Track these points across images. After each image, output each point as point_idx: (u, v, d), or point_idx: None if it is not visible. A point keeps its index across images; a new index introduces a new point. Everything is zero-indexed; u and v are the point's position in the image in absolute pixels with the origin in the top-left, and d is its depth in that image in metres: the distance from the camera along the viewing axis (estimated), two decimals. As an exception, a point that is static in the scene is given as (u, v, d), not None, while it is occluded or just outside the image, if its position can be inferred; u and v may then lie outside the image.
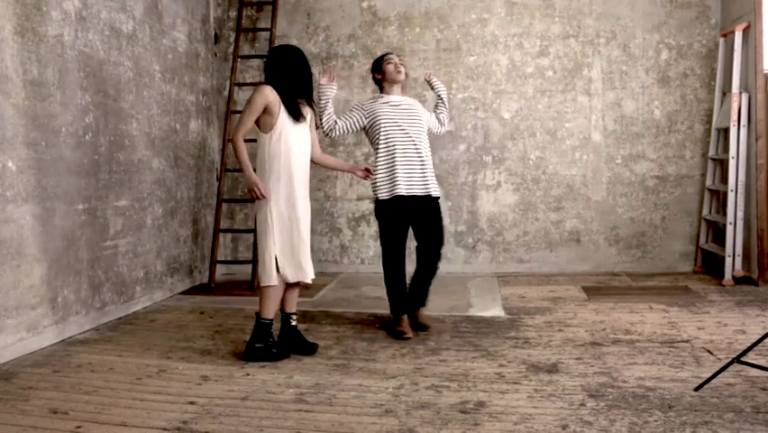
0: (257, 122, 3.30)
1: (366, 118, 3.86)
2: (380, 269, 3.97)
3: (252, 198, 3.29)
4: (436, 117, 4.10)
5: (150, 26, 4.74)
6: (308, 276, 3.37)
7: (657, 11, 5.58)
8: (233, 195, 5.93)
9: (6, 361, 3.27)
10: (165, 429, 2.44)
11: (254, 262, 5.30)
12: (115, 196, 4.28)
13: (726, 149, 5.19)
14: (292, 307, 3.49)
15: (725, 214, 5.08)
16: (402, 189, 3.75)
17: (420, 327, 3.87)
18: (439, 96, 4.12)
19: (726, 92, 5.30)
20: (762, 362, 2.95)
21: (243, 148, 3.27)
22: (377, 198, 3.84)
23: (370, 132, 3.90)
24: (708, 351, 3.32)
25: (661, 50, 5.59)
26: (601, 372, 3.03)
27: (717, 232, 5.42)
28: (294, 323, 3.48)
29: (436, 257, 3.90)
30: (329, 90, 3.83)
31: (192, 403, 2.71)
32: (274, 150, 3.27)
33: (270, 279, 3.29)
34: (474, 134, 5.79)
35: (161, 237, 4.89)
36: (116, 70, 4.29)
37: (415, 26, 5.81)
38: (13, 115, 3.36)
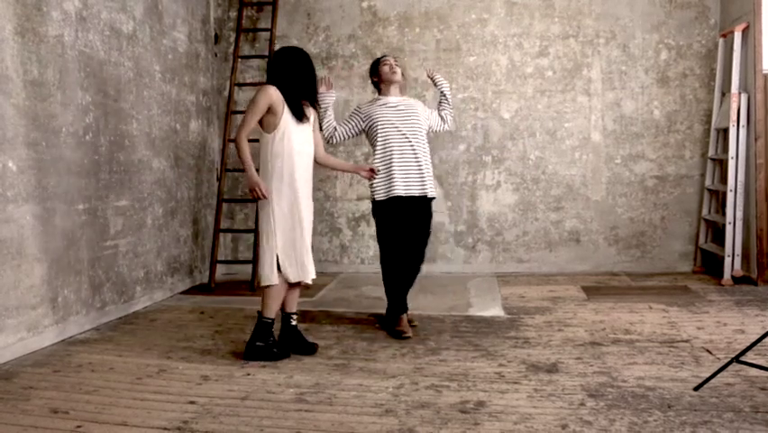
0: (260, 122, 3.31)
1: (364, 121, 3.90)
2: (380, 269, 4.00)
3: (254, 197, 3.30)
4: (439, 115, 4.09)
5: (151, 26, 4.74)
6: (309, 276, 3.38)
7: (656, 11, 5.58)
8: (234, 195, 5.93)
9: (7, 361, 3.27)
10: (165, 429, 2.45)
11: (254, 261, 5.31)
12: (116, 196, 4.28)
13: (725, 149, 5.20)
14: (293, 307, 3.49)
15: (724, 214, 5.08)
16: (400, 190, 3.78)
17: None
18: (442, 92, 4.11)
19: (725, 92, 5.31)
20: (761, 361, 2.96)
21: (246, 148, 3.28)
22: (374, 198, 3.87)
23: (368, 134, 3.94)
24: (708, 351, 3.32)
25: (660, 50, 5.60)
26: (601, 371, 3.04)
27: (717, 232, 5.42)
28: (294, 323, 3.49)
29: (420, 257, 3.96)
30: (328, 98, 3.87)
31: (192, 403, 2.71)
32: (277, 150, 3.28)
33: (271, 278, 3.30)
34: (474, 134, 5.80)
35: (162, 237, 4.89)
36: (117, 71, 4.30)
37: (414, 26, 5.81)
38: (13, 115, 3.37)
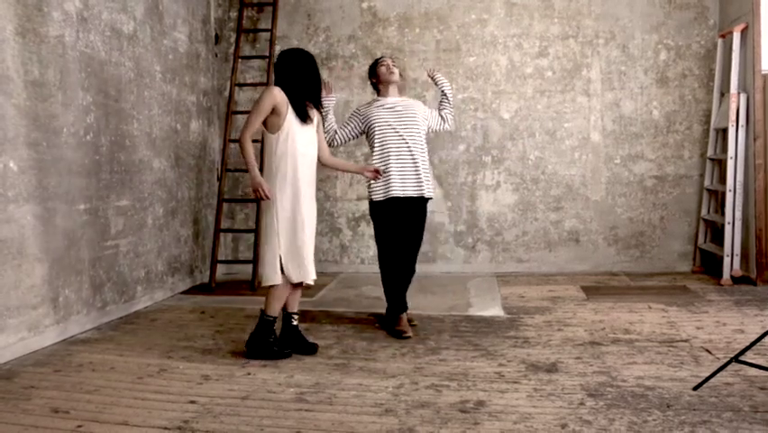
0: (264, 122, 3.32)
1: (362, 123, 3.93)
2: (379, 269, 4.03)
3: (257, 198, 3.31)
4: (440, 114, 4.10)
5: (151, 27, 4.75)
6: (310, 277, 3.39)
7: (656, 12, 5.59)
8: (234, 195, 5.94)
9: (8, 360, 3.28)
10: (166, 428, 2.45)
11: (255, 261, 5.32)
12: (116, 196, 4.29)
13: (724, 149, 5.21)
14: (294, 307, 3.50)
15: (723, 214, 5.09)
16: (397, 191, 3.80)
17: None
18: (443, 92, 4.12)
19: (724, 92, 5.32)
20: (760, 361, 2.96)
21: (250, 148, 3.30)
22: (371, 199, 3.89)
23: (367, 135, 3.97)
24: (707, 350, 3.33)
25: (659, 50, 5.61)
26: (600, 371, 3.04)
27: (716, 232, 5.43)
28: (295, 323, 3.50)
29: (414, 259, 3.98)
30: (327, 101, 3.89)
31: (193, 402, 2.72)
32: (281, 150, 3.29)
33: (274, 279, 3.31)
34: (474, 135, 5.81)
35: (162, 237, 4.90)
36: (117, 71, 4.30)
37: (414, 27, 5.82)
38: (14, 115, 3.37)
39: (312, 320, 4.13)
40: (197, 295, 5.06)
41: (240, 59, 5.76)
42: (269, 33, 5.73)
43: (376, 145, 3.86)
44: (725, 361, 2.85)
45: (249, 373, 3.11)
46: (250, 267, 5.36)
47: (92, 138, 4.02)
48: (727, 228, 4.99)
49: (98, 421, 2.52)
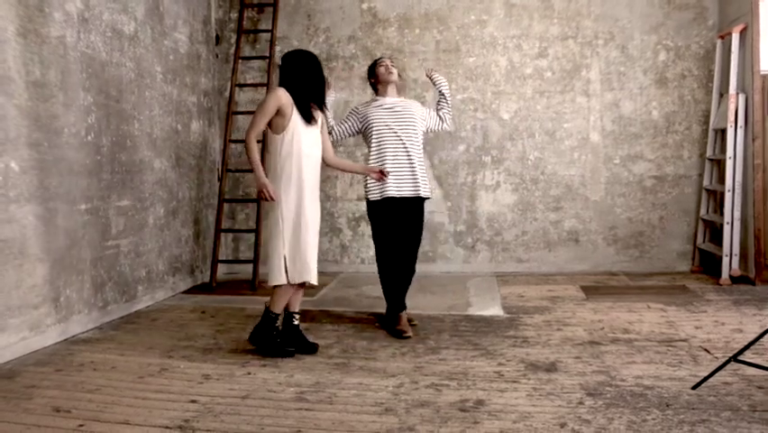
0: (269, 123, 3.34)
1: (360, 122, 3.95)
2: (377, 268, 4.06)
3: (262, 199, 3.32)
4: (438, 115, 4.12)
5: (152, 27, 4.76)
6: (313, 277, 3.39)
7: (655, 12, 5.61)
8: (235, 195, 5.95)
9: (9, 360, 3.29)
10: (167, 428, 2.46)
11: (255, 261, 5.33)
12: (117, 196, 4.30)
13: (723, 149, 5.23)
14: (295, 306, 3.52)
15: (722, 214, 5.10)
16: (392, 191, 3.83)
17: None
18: (441, 92, 4.14)
19: (723, 93, 5.34)
20: (758, 360, 2.97)
21: (256, 149, 3.31)
22: (368, 198, 3.92)
23: (364, 134, 3.99)
24: (706, 350, 3.34)
25: (659, 51, 5.62)
26: (599, 370, 3.06)
27: (715, 232, 5.45)
28: (296, 322, 3.51)
29: (413, 258, 4.01)
30: (327, 99, 3.89)
31: (194, 402, 2.73)
32: (286, 151, 3.31)
33: (279, 279, 3.32)
34: (473, 135, 5.82)
35: (163, 237, 4.91)
36: (118, 71, 4.32)
37: (414, 27, 5.84)
38: (15, 115, 3.38)
39: (312, 320, 4.14)
40: (198, 295, 5.07)
41: (240, 60, 5.77)
42: (269, 34, 5.74)
43: (373, 145, 3.89)
44: (723, 360, 2.86)
45: (249, 373, 3.12)
46: (250, 267, 5.37)
47: (93, 138, 4.03)
48: (726, 228, 5.00)
49: (99, 420, 2.53)
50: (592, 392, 2.76)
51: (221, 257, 5.58)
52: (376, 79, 3.99)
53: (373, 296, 4.79)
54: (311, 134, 3.38)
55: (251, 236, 5.69)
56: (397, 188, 3.83)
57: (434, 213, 5.86)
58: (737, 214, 4.99)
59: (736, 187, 5.00)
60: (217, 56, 5.95)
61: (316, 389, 2.88)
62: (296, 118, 3.31)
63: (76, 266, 3.86)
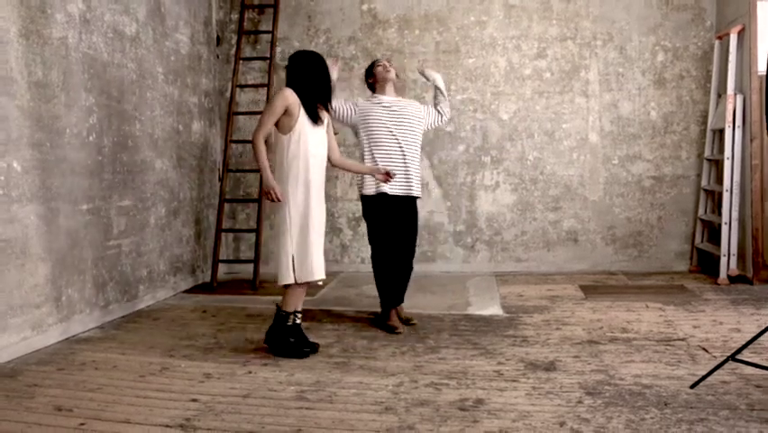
0: (276, 123, 3.35)
1: (357, 114, 3.95)
2: (372, 264, 4.09)
3: (269, 200, 3.34)
4: (436, 110, 4.15)
5: (153, 29, 4.78)
6: (318, 276, 3.40)
7: (653, 13, 5.63)
8: (235, 195, 5.97)
9: (11, 359, 3.30)
10: (168, 426, 2.47)
11: (256, 261, 5.35)
12: (119, 196, 4.32)
13: (721, 150, 5.24)
14: (298, 305, 3.53)
15: (720, 214, 5.12)
16: (386, 187, 3.87)
17: (405, 322, 3.99)
18: (436, 86, 4.17)
19: (721, 93, 5.35)
20: (756, 360, 2.98)
21: (263, 150, 3.32)
22: (362, 194, 3.97)
23: (359, 129, 3.98)
24: (704, 349, 3.36)
25: (657, 52, 5.64)
26: (598, 369, 3.07)
27: (713, 231, 5.47)
28: (298, 321, 3.52)
29: (411, 255, 4.05)
30: (332, 74, 3.86)
31: (194, 401, 2.74)
32: (293, 151, 3.32)
33: (288, 277, 3.34)
34: (473, 135, 5.84)
35: (164, 237, 4.93)
36: (120, 72, 4.33)
37: (414, 28, 5.85)
38: (18, 116, 3.40)
39: (312, 319, 4.15)
40: (199, 294, 5.08)
41: (241, 61, 5.79)
42: (270, 35, 5.76)
43: (369, 142, 3.91)
44: (721, 359, 2.86)
45: (250, 372, 3.13)
46: (251, 267, 5.39)
47: (95, 139, 4.05)
48: (724, 228, 5.02)
49: (101, 419, 2.54)
50: (591, 391, 2.77)
51: (222, 257, 5.60)
52: (374, 79, 4.02)
53: (373, 295, 4.78)
54: (318, 135, 3.40)
55: (252, 236, 5.70)
56: (390, 185, 3.86)
57: (433, 213, 5.88)
58: (735, 214, 5.01)
59: (734, 187, 5.02)
60: (218, 57, 5.97)
61: (317, 388, 2.89)
62: (303, 118, 3.33)
63: (77, 266, 3.87)
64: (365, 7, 5.89)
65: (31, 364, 3.25)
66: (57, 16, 3.70)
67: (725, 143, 5.07)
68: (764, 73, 4.88)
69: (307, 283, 3.44)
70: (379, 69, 3.99)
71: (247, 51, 5.94)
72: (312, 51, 3.51)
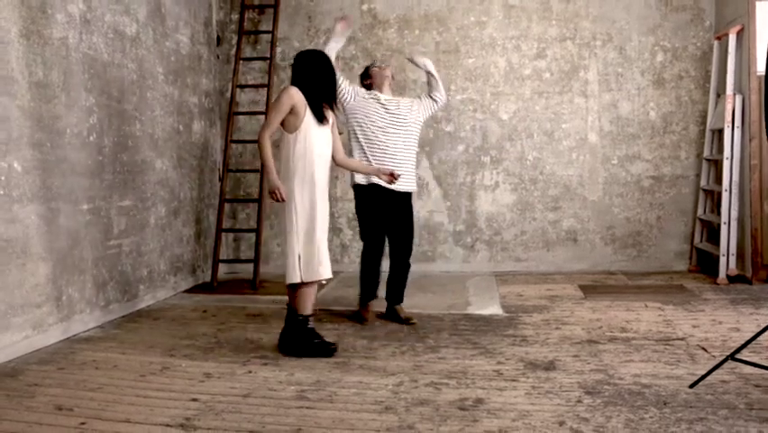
0: (281, 122, 3.35)
1: (354, 101, 3.97)
2: (382, 268, 4.11)
3: (273, 200, 3.34)
4: (430, 97, 4.17)
5: (154, 29, 4.78)
6: (326, 274, 3.40)
7: (652, 14, 5.63)
8: (236, 195, 5.98)
9: (12, 358, 3.31)
10: (168, 426, 2.48)
11: (256, 261, 5.36)
12: (119, 196, 4.32)
13: (720, 150, 5.25)
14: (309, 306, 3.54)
15: (719, 213, 5.13)
16: (378, 180, 3.88)
17: (405, 321, 4.02)
18: (427, 71, 4.18)
19: (720, 94, 5.36)
20: (755, 359, 2.98)
21: (269, 149, 3.32)
22: (355, 183, 4.00)
23: (352, 123, 4.00)
24: (703, 348, 3.36)
25: (656, 52, 5.65)
26: (598, 369, 3.08)
27: (712, 231, 5.48)
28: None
29: (408, 253, 4.10)
30: (338, 43, 3.88)
31: (195, 400, 2.75)
32: (298, 150, 3.33)
33: (294, 276, 3.34)
34: (473, 135, 5.85)
35: (165, 237, 4.94)
36: (120, 72, 4.34)
37: (414, 29, 5.86)
38: (18, 116, 3.41)
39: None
40: (199, 294, 5.09)
41: (241, 61, 5.79)
42: (270, 35, 5.77)
43: (363, 135, 3.94)
44: (721, 359, 2.86)
45: (250, 371, 3.14)
46: (251, 266, 5.39)
47: (95, 139, 4.06)
48: (723, 228, 5.03)
49: (101, 418, 2.54)
50: (590, 391, 2.78)
51: (222, 257, 5.60)
52: (371, 80, 4.06)
53: (373, 295, 4.80)
54: (323, 134, 3.40)
55: (252, 236, 5.71)
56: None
57: (433, 213, 5.89)
58: (734, 214, 5.02)
59: (733, 187, 5.03)
60: (218, 57, 5.98)
61: (317, 387, 2.90)
62: (308, 118, 3.33)
63: (78, 265, 3.88)
64: (365, 7, 5.90)
65: (31, 364, 3.25)
66: (57, 17, 3.71)
67: (724, 143, 5.07)
68: (763, 73, 4.92)
69: (316, 282, 3.44)
70: (375, 69, 4.07)
71: (247, 52, 5.94)
72: (318, 51, 3.52)
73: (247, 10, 5.91)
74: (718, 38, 5.40)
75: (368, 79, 4.09)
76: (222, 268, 5.59)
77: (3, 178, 3.30)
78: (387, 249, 4.18)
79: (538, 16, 5.76)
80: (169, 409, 2.64)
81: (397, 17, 5.87)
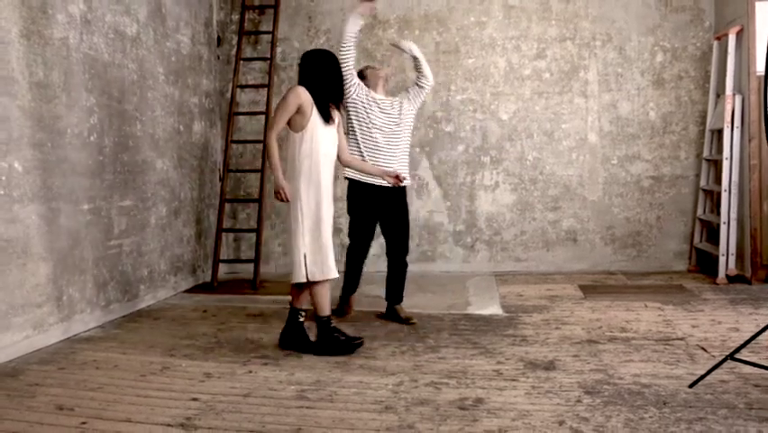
0: (288, 122, 3.35)
1: (356, 95, 3.97)
2: (381, 268, 4.15)
3: (279, 199, 3.35)
4: (417, 85, 4.17)
5: (154, 29, 4.79)
6: (333, 273, 3.41)
7: (652, 14, 5.64)
8: (236, 195, 5.98)
9: (13, 358, 3.31)
10: (169, 425, 2.48)
11: (256, 261, 5.36)
12: (120, 196, 4.33)
13: (719, 150, 5.25)
14: (304, 303, 3.55)
15: (718, 214, 5.14)
16: (372, 177, 3.92)
17: (405, 321, 4.04)
18: (413, 56, 4.18)
19: (719, 94, 5.37)
20: (754, 359, 2.99)
21: (276, 149, 3.33)
22: (348, 177, 4.03)
23: (353, 113, 4.01)
24: (703, 348, 3.37)
25: (656, 52, 5.66)
26: (597, 369, 3.08)
27: (711, 231, 5.48)
28: (302, 319, 3.54)
29: (405, 251, 4.13)
30: (355, 25, 3.90)
31: (195, 400, 2.75)
32: (305, 150, 3.33)
33: (300, 276, 3.35)
34: (473, 135, 5.85)
35: (165, 237, 4.94)
36: (121, 73, 4.35)
37: (414, 29, 5.86)
38: (19, 116, 3.41)
39: (312, 319, 4.15)
40: (200, 294, 5.10)
41: (241, 61, 5.80)
42: (270, 36, 5.77)
43: (359, 134, 3.96)
44: (720, 359, 2.86)
45: (250, 371, 3.14)
46: (251, 266, 5.40)
47: (96, 139, 4.06)
48: (723, 228, 5.03)
49: (102, 418, 2.55)
50: (590, 391, 2.78)
51: (222, 257, 5.61)
52: (365, 81, 4.08)
53: (373, 295, 4.80)
54: (329, 134, 3.41)
55: (252, 236, 5.72)
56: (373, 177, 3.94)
57: (433, 213, 5.90)
58: (734, 214, 5.02)
59: (733, 187, 5.04)
60: (219, 57, 5.98)
61: (317, 387, 2.90)
62: (315, 117, 3.34)
63: (78, 265, 3.89)
64: (365, 8, 5.90)
65: (32, 364, 3.26)
66: (58, 17, 3.71)
67: (723, 143, 5.08)
68: (763, 73, 4.93)
69: (327, 281, 3.44)
70: (370, 70, 4.13)
71: (247, 52, 5.95)
72: (325, 50, 3.52)
73: (247, 10, 5.91)
74: (718, 38, 5.40)
75: (362, 80, 4.10)
76: (222, 268, 5.59)
77: (3, 178, 3.30)
78: (386, 249, 4.19)
79: (538, 17, 5.76)
80: (169, 409, 2.64)
81: (397, 18, 5.88)
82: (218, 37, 5.99)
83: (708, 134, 5.51)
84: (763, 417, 2.46)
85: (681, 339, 3.55)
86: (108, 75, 4.20)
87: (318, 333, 3.46)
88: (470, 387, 2.87)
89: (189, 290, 5.23)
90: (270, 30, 5.77)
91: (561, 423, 2.44)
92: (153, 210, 4.76)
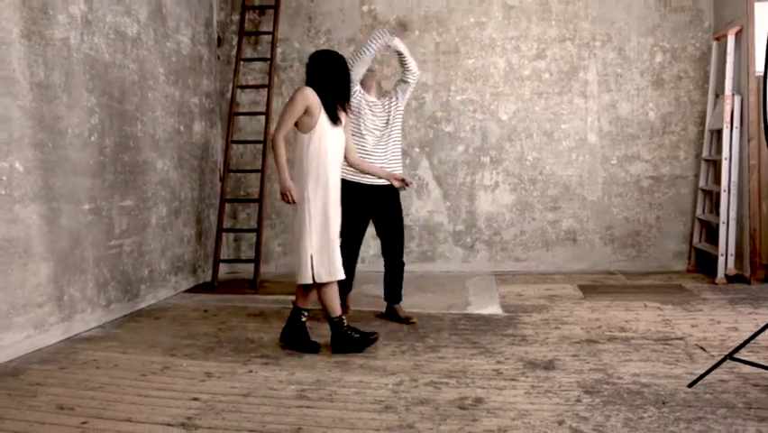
0: (295, 122, 3.36)
1: (354, 97, 3.96)
2: (381, 267, 4.11)
3: (286, 201, 3.35)
4: (403, 81, 4.17)
5: (155, 30, 4.80)
6: (340, 274, 3.42)
7: (651, 14, 5.65)
8: (236, 195, 5.99)
9: (14, 358, 3.32)
10: (169, 425, 2.48)
11: (257, 260, 5.37)
12: (120, 196, 4.34)
13: (719, 150, 5.26)
14: (309, 303, 3.55)
15: (718, 214, 5.14)
16: (365, 178, 3.94)
17: (404, 320, 4.05)
18: (396, 51, 4.15)
19: (719, 94, 5.37)
20: (754, 358, 2.99)
21: (283, 150, 3.32)
22: (342, 178, 4.01)
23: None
24: (702, 348, 3.37)
25: (655, 53, 5.66)
26: (597, 368, 3.09)
27: (711, 231, 5.49)
28: (304, 319, 3.55)
29: (400, 249, 4.13)
30: (383, 44, 3.98)
31: (196, 399, 2.76)
32: (312, 151, 3.33)
33: (306, 277, 3.35)
34: (472, 136, 5.86)
35: (166, 237, 4.95)
36: (121, 73, 4.35)
37: (414, 29, 5.87)
38: (20, 116, 3.42)
39: (313, 319, 4.15)
40: (200, 294, 5.10)
41: (242, 62, 5.81)
42: (270, 36, 5.78)
43: (356, 134, 3.97)
44: (719, 358, 2.87)
45: (251, 371, 3.15)
46: (252, 266, 5.41)
47: (96, 139, 4.07)
48: (722, 228, 5.04)
49: (102, 418, 2.56)
50: (590, 390, 2.79)
51: (222, 256, 5.62)
52: (362, 82, 4.09)
53: (372, 295, 4.82)
54: (336, 135, 3.41)
55: (253, 236, 5.73)
56: (367, 176, 3.94)
57: (433, 213, 5.91)
58: (733, 214, 5.03)
59: (732, 187, 5.04)
60: (219, 58, 5.99)
61: (317, 387, 2.91)
62: (323, 119, 3.34)
63: (79, 265, 3.89)
64: (365, 8, 5.92)
65: (33, 363, 3.27)
66: (59, 17, 3.72)
67: (722, 144, 5.08)
68: (762, 74, 4.93)
69: (334, 282, 3.44)
70: (366, 72, 4.12)
71: (248, 52, 5.96)
72: (332, 51, 3.52)
73: (248, 11, 5.92)
74: (717, 39, 5.41)
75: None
76: (222, 268, 5.60)
77: (4, 178, 3.31)
78: (381, 249, 4.20)
79: (537, 17, 5.77)
80: (170, 409, 2.65)
81: (397, 18, 5.88)
82: (218, 37, 6.00)
83: (707, 135, 5.52)
84: (762, 416, 2.46)
85: (681, 339, 3.56)
86: (109, 75, 4.20)
87: (332, 334, 3.46)
88: (469, 387, 2.87)
89: (190, 290, 5.23)
90: (271, 30, 5.78)
91: (560, 423, 2.45)
92: (154, 210, 4.77)
